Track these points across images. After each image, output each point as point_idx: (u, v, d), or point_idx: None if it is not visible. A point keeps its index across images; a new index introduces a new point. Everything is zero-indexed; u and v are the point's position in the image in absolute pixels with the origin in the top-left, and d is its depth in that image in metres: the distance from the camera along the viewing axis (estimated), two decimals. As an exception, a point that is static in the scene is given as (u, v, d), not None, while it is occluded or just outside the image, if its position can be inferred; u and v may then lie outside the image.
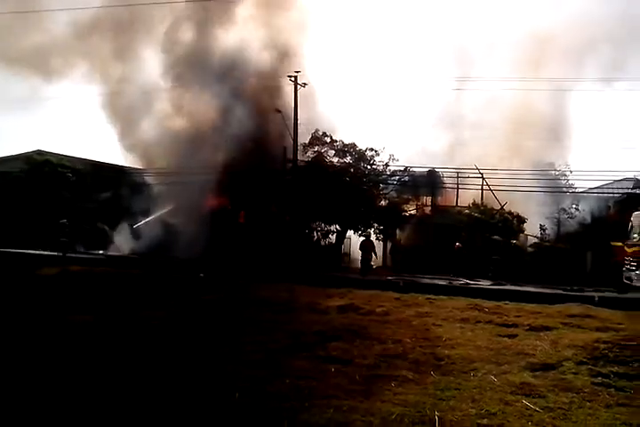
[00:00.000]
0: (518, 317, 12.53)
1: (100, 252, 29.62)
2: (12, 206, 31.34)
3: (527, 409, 5.62)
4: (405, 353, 8.03)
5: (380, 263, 31.14)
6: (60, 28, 31.27)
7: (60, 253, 25.70)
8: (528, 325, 11.32)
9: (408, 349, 8.37)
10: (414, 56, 53.55)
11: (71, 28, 31.11)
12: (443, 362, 7.65)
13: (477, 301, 14.93)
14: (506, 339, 9.66)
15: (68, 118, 73.37)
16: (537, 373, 7.34)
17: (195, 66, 29.27)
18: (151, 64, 31.27)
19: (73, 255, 26.04)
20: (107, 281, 15.70)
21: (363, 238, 27.43)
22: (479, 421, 5.17)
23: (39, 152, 36.32)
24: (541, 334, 10.32)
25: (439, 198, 31.63)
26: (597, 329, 11.16)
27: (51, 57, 32.48)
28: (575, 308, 14.33)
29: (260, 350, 7.67)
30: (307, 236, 29.44)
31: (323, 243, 29.96)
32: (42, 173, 33.68)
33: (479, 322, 11.59)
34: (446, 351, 8.27)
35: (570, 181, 31.88)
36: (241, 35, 30.53)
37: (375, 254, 26.50)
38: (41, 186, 32.77)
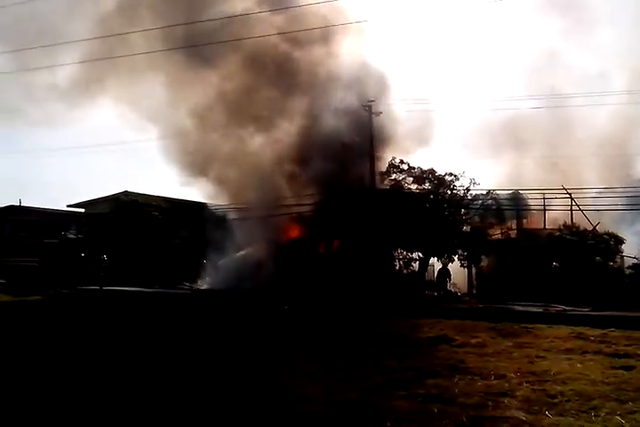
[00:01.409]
0: (629, 346, 11.46)
1: (187, 285, 30.19)
2: (105, 246, 32.74)
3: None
4: (512, 390, 7.33)
5: (466, 291, 30.05)
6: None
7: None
8: (643, 354, 10.28)
9: (514, 385, 7.66)
10: (487, 72, 52.30)
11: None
12: (556, 400, 6.90)
13: (580, 329, 13.87)
14: (622, 371, 8.73)
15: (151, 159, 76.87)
16: (670, 412, 6.47)
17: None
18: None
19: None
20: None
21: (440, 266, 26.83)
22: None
23: (126, 193, 37.95)
24: (661, 365, 9.30)
25: (525, 221, 30.29)
26: None
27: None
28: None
29: (353, 388, 7.20)
30: (388, 264, 28.80)
31: (405, 271, 29.22)
32: (129, 212, 35.08)
33: (586, 352, 10.62)
34: (558, 387, 7.50)
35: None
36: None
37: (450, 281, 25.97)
38: (129, 225, 34.11)
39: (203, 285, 30.06)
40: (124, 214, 34.74)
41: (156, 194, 39.17)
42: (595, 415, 6.22)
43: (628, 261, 26.90)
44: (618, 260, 26.62)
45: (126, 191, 38.35)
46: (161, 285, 29.72)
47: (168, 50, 28.86)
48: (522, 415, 6.09)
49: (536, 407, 6.48)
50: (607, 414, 6.28)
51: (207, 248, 30.03)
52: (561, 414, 6.24)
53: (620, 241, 25.59)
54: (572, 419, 6.08)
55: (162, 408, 6.21)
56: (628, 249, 26.23)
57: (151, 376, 7.95)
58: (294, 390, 7.10)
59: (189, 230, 31.59)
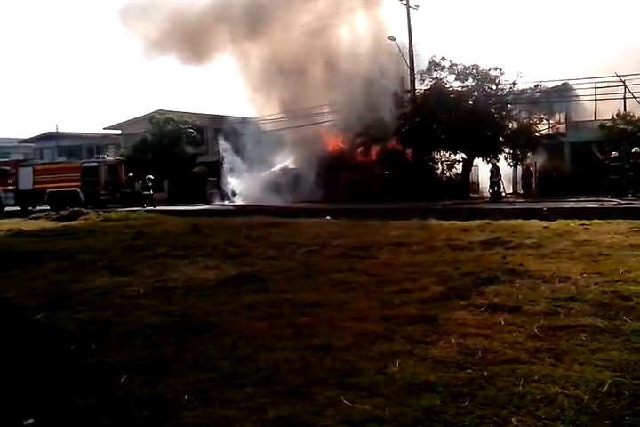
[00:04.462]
0: (700, 237, 10.73)
1: (226, 202, 30.20)
2: (142, 165, 32.67)
3: None
4: (581, 293, 6.74)
5: (512, 190, 29.24)
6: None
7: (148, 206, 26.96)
8: None
9: (582, 287, 7.06)
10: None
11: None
12: (632, 302, 6.30)
13: (639, 222, 13.09)
14: (699, 266, 8.07)
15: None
16: None
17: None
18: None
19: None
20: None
21: (491, 165, 25.98)
22: None
23: (160, 112, 37.41)
24: None
25: (575, 113, 28.61)
26: None
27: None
28: None
29: (409, 302, 6.76)
30: (430, 168, 27.99)
31: (448, 174, 28.42)
32: (165, 131, 34.70)
33: (653, 247, 9.94)
34: (631, 288, 6.87)
35: None
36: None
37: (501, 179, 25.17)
38: (165, 144, 33.83)
39: (243, 200, 30.02)
40: (159, 133, 34.39)
41: (191, 111, 38.60)
42: (680, 319, 5.64)
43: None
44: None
45: (161, 110, 37.79)
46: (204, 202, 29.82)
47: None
48: (599, 322, 5.55)
49: (612, 312, 5.91)
50: (693, 314, 5.70)
51: (245, 163, 29.69)
52: (641, 319, 5.67)
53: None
54: (655, 323, 5.51)
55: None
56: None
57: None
58: (347, 306, 6.69)
59: (228, 146, 31.10)
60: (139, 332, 6.02)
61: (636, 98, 25.41)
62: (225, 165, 30.55)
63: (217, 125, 34.54)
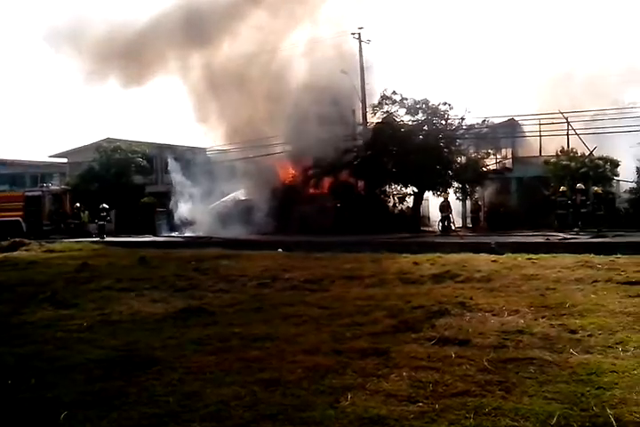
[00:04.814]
0: (639, 272, 11.07)
1: (175, 234, 29.68)
2: (88, 195, 31.88)
3: None
4: (529, 326, 6.85)
5: (461, 224, 29.79)
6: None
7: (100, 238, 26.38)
8: (656, 280, 9.86)
9: (530, 321, 7.19)
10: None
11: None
12: (578, 335, 6.43)
13: (584, 257, 13.47)
14: (638, 300, 8.30)
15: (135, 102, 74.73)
16: (700, 341, 6.04)
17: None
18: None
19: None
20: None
21: (442, 199, 26.47)
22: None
23: (108, 140, 36.82)
24: (678, 290, 8.90)
25: (520, 149, 29.63)
26: None
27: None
28: (702, 256, 12.69)
29: (361, 335, 6.71)
30: (382, 201, 28.33)
31: (400, 207, 28.80)
32: (112, 160, 34.06)
33: (597, 281, 10.19)
34: (577, 321, 7.04)
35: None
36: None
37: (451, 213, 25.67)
38: (113, 173, 33.17)
39: (193, 231, 29.62)
40: (107, 162, 33.74)
41: (140, 140, 38.18)
42: (623, 351, 5.76)
43: (624, 186, 26.63)
44: (614, 184, 26.29)
45: (108, 138, 37.22)
46: (152, 233, 29.22)
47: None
48: (546, 355, 5.62)
49: (559, 345, 6.01)
50: (636, 348, 5.83)
51: (196, 194, 29.41)
52: (587, 351, 5.77)
53: (616, 164, 25.11)
54: (599, 356, 5.61)
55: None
56: (627, 174, 25.85)
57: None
58: (298, 340, 6.58)
59: (179, 175, 30.80)
60: (81, 366, 5.79)
61: (578, 135, 26.50)
62: (175, 196, 30.13)
63: (166, 155, 34.05)
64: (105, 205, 29.46)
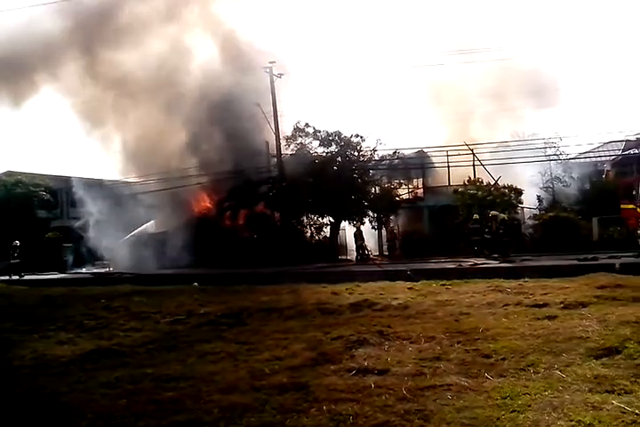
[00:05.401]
0: (546, 294, 11.59)
1: (83, 270, 28.32)
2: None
3: (623, 413, 4.57)
4: (446, 353, 6.98)
5: (378, 252, 30.26)
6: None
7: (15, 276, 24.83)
8: (561, 302, 10.33)
9: (446, 347, 7.32)
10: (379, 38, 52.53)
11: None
12: (492, 359, 6.60)
13: (495, 282, 13.99)
14: (546, 322, 8.64)
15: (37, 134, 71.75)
16: (604, 360, 6.31)
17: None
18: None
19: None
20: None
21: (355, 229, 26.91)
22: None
23: (8, 173, 34.99)
24: (582, 311, 9.34)
25: (430, 179, 30.68)
26: (635, 299, 10.28)
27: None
28: (601, 278, 13.43)
29: (280, 370, 6.56)
30: (299, 231, 28.36)
31: (317, 237, 28.91)
32: (13, 193, 32.33)
33: (507, 305, 10.60)
34: (490, 346, 7.23)
35: (559, 148, 30.53)
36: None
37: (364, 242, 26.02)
38: (14, 207, 31.43)
39: (102, 267, 28.39)
40: (8, 196, 31.94)
41: (43, 173, 36.51)
42: (534, 373, 5.95)
43: (528, 213, 28.08)
44: (519, 211, 27.63)
45: (9, 171, 35.37)
46: (58, 270, 27.74)
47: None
48: (463, 381, 5.70)
49: (474, 370, 6.13)
50: (545, 369, 6.04)
51: (106, 227, 28.25)
52: (501, 375, 5.91)
53: (520, 192, 26.43)
54: (512, 379, 5.76)
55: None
56: (530, 201, 27.32)
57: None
58: (215, 378, 6.35)
59: (87, 208, 29.51)
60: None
61: (483, 165, 27.74)
62: (82, 230, 28.80)
63: (72, 188, 32.52)
64: (17, 242, 27.35)
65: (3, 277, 24.51)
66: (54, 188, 34.88)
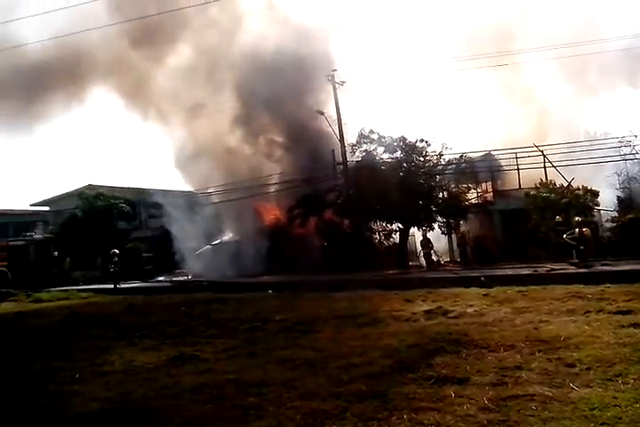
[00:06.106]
0: (630, 300, 11.13)
1: (163, 279, 29.33)
2: (72, 243, 31.53)
3: None
4: (527, 362, 6.83)
5: (449, 258, 29.83)
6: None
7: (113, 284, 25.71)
8: (647, 309, 9.91)
9: (527, 356, 7.17)
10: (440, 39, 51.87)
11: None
12: (576, 369, 6.42)
13: (574, 288, 13.52)
14: (632, 330, 8.31)
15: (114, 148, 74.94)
16: (700, 370, 6.04)
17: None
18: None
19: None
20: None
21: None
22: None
23: (90, 187, 36.73)
24: (672, 318, 8.94)
25: (500, 183, 29.97)
26: None
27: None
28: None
29: (358, 377, 6.61)
30: (368, 238, 28.37)
31: (386, 243, 28.83)
32: (95, 206, 33.92)
33: (589, 312, 10.23)
34: (573, 354, 7.02)
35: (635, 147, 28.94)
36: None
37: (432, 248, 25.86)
38: (96, 219, 32.95)
39: (181, 276, 29.33)
40: (90, 209, 33.56)
41: (122, 185, 38.15)
42: (623, 383, 5.74)
43: (605, 215, 26.93)
44: (595, 214, 26.55)
45: (90, 185, 37.16)
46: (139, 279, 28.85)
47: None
48: (546, 391, 5.58)
49: (558, 380, 5.99)
50: (635, 379, 5.81)
51: (183, 236, 29.20)
52: (587, 386, 5.74)
53: (596, 194, 25.39)
54: (600, 390, 5.59)
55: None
56: (606, 203, 26.19)
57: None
58: (294, 385, 6.48)
59: (161, 220, 30.67)
60: (74, 420, 5.65)
61: (555, 167, 26.88)
62: (160, 240, 29.91)
63: (151, 199, 33.91)
64: (116, 251, 28.23)
65: (105, 286, 25.64)
66: (133, 199, 36.39)
